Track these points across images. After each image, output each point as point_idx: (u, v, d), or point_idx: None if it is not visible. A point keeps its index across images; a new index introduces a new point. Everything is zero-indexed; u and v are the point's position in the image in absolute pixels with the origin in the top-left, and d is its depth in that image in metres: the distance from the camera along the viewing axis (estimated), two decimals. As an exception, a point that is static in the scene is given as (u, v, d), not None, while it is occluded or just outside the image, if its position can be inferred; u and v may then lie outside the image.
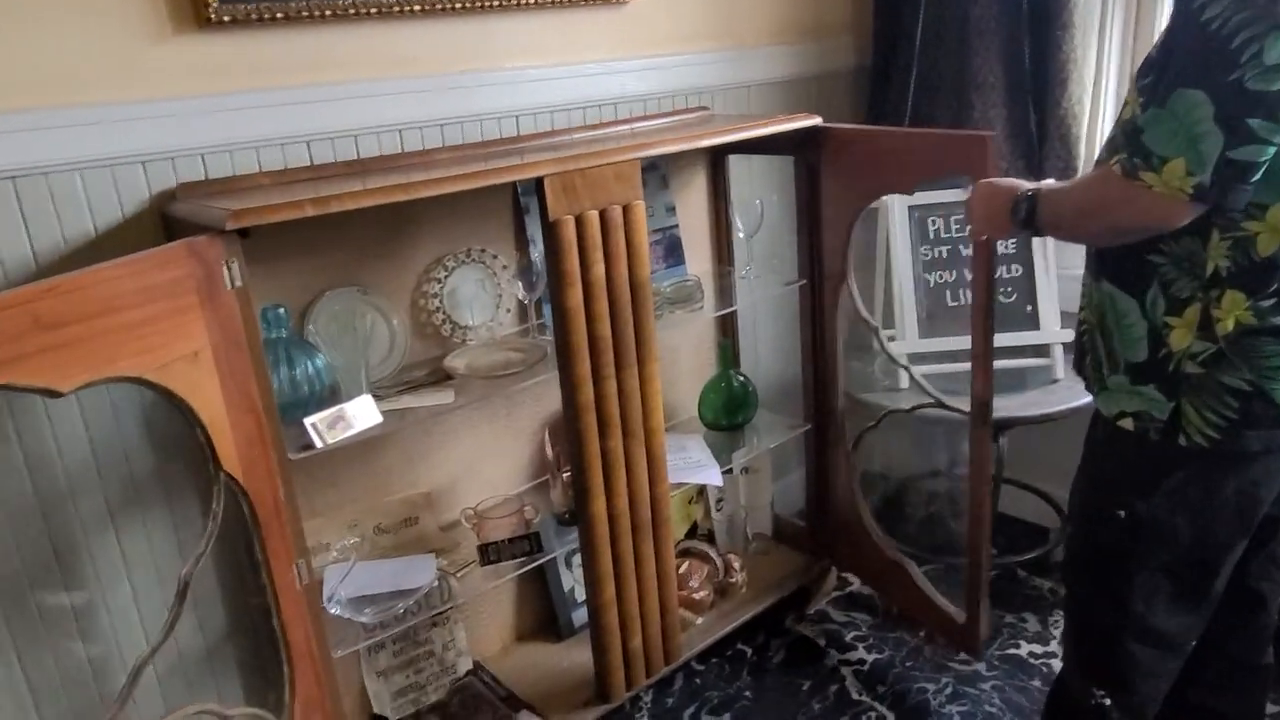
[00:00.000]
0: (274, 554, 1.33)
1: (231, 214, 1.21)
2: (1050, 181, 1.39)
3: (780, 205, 2.18)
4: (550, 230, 1.54)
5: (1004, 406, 1.97)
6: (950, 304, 2.14)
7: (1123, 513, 1.22)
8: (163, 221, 1.44)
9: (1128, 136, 1.09)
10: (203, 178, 1.48)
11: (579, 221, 1.56)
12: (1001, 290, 2.12)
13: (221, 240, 1.22)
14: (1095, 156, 2.19)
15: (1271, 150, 1.00)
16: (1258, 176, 1.02)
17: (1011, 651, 2.06)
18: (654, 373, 1.73)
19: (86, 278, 1.05)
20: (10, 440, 1.37)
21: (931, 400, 1.90)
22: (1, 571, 1.39)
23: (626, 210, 1.62)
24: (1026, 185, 1.30)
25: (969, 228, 1.55)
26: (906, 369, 1.93)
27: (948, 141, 1.73)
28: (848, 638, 2.15)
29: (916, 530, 2.45)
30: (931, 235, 2.14)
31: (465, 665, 1.92)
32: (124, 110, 1.38)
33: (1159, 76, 1.05)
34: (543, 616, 2.08)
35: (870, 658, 2.07)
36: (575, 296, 1.58)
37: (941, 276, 2.14)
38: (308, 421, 1.39)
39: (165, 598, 1.54)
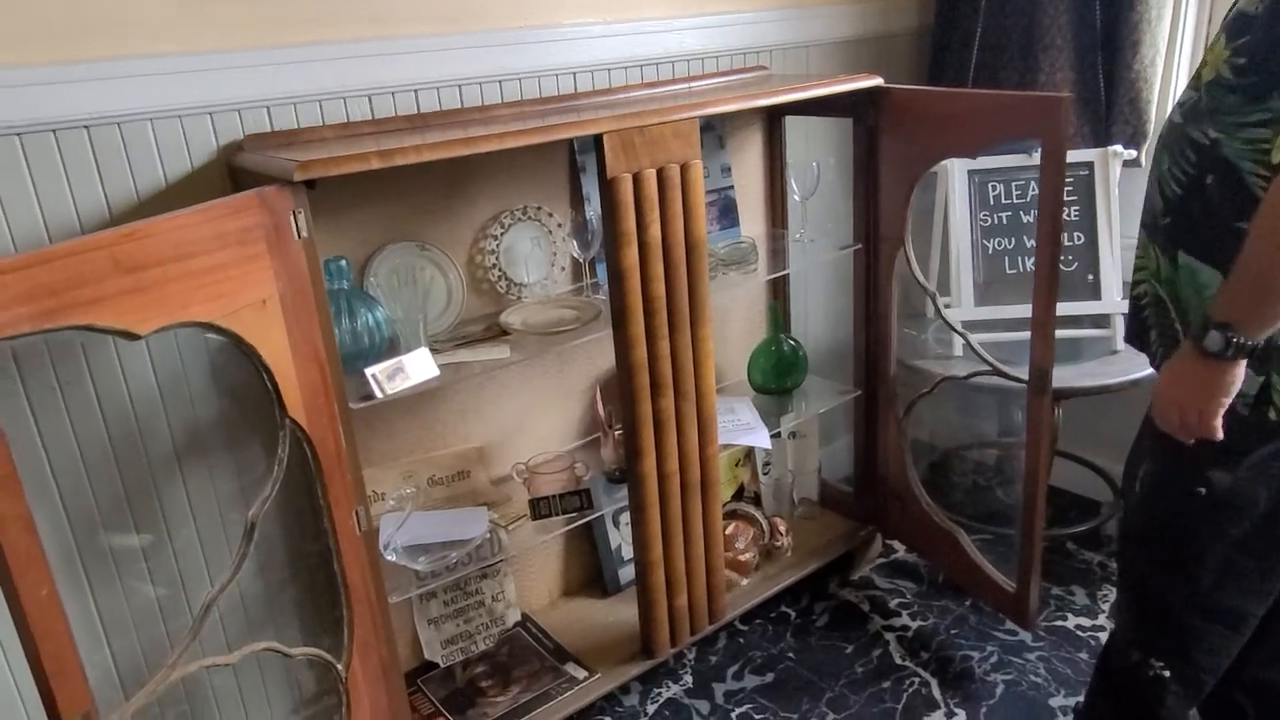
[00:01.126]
0: (335, 500, 1.36)
1: (299, 165, 1.23)
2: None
3: (836, 168, 2.15)
4: (607, 188, 1.54)
5: (1060, 377, 1.94)
6: (1009, 271, 2.11)
7: (1203, 489, 1.20)
8: (229, 172, 1.47)
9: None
10: (268, 129, 1.50)
11: (636, 180, 1.56)
12: (1062, 258, 2.07)
13: (289, 191, 1.24)
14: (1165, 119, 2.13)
15: None
16: None
17: (1059, 624, 2.04)
18: (707, 334, 1.73)
19: (163, 224, 1.07)
20: (85, 382, 1.41)
21: (988, 368, 1.87)
22: (77, 510, 1.44)
23: (684, 169, 1.62)
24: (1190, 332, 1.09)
25: (1173, 424, 1.16)
26: (963, 335, 1.90)
27: (1020, 104, 1.68)
28: (892, 604, 2.15)
29: (964, 499, 2.43)
30: (992, 201, 2.10)
31: (514, 617, 1.96)
32: (192, 61, 1.40)
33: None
34: (590, 573, 2.11)
35: (914, 624, 2.07)
36: (631, 256, 1.58)
37: (1000, 243, 2.10)
38: (368, 371, 1.41)
39: (228, 540, 1.60)
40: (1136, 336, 1.33)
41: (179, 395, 1.51)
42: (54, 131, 1.32)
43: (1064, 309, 2.01)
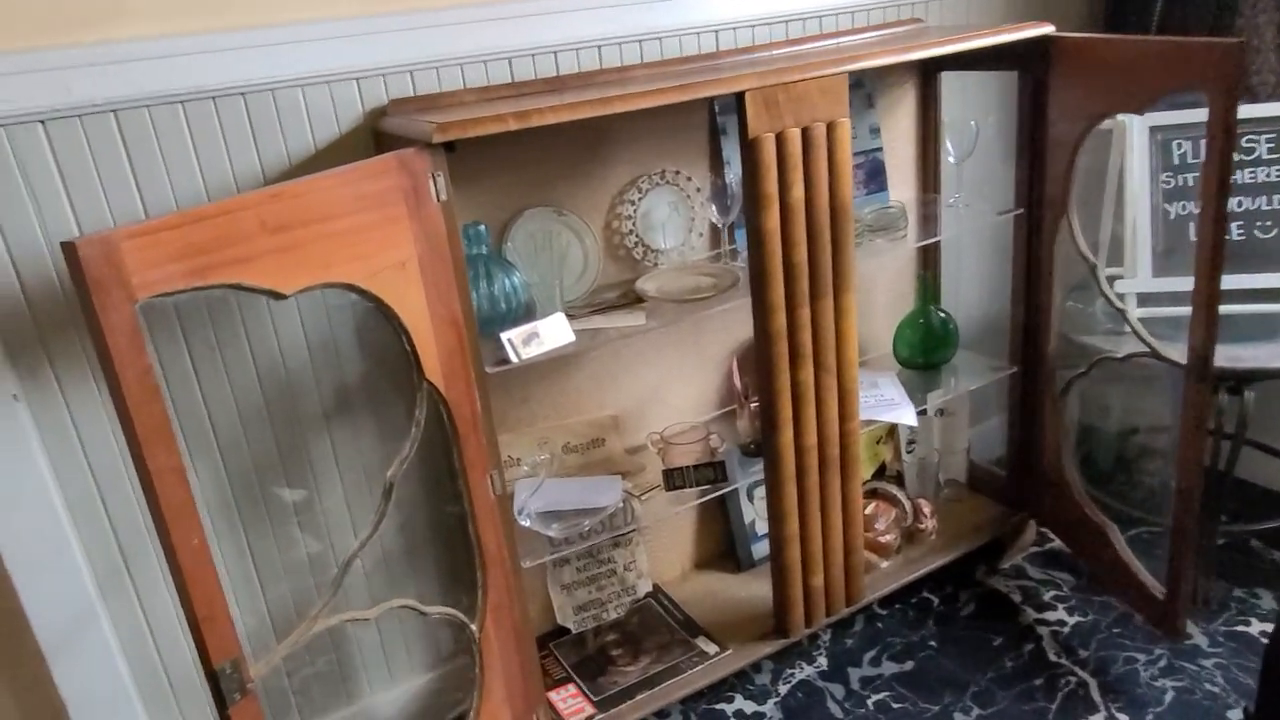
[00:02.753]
0: (470, 463, 1.37)
1: (437, 127, 1.22)
2: None
3: (994, 127, 1.99)
4: (749, 148, 1.47)
5: (1252, 357, 1.75)
6: (1193, 239, 1.90)
7: None
8: (374, 137, 1.49)
9: None
10: (411, 93, 1.51)
11: (779, 139, 1.48)
12: (1258, 225, 1.85)
13: (428, 153, 1.24)
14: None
15: None
16: None
17: (1240, 629, 1.85)
18: (850, 303, 1.64)
19: (305, 185, 1.09)
20: (241, 342, 1.47)
21: (1147, 350, 1.70)
22: (235, 465, 1.51)
23: (830, 128, 1.53)
24: None
25: None
26: (1121, 311, 1.73)
27: (1183, 51, 1.49)
28: (1046, 596, 2.01)
29: (1131, 490, 2.24)
30: (1176, 160, 1.89)
31: (645, 587, 1.94)
32: (339, 26, 1.43)
33: None
34: (722, 547, 2.07)
35: (1071, 620, 1.93)
36: (772, 219, 1.52)
37: (1184, 208, 1.89)
38: (504, 336, 1.41)
39: (372, 499, 1.65)
40: None
41: (327, 354, 1.55)
42: (213, 99, 1.37)
43: (1255, 281, 1.80)
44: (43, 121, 1.27)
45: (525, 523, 1.56)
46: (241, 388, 1.49)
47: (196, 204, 1.37)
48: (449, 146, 1.26)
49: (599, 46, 1.65)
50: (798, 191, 1.52)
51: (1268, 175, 1.84)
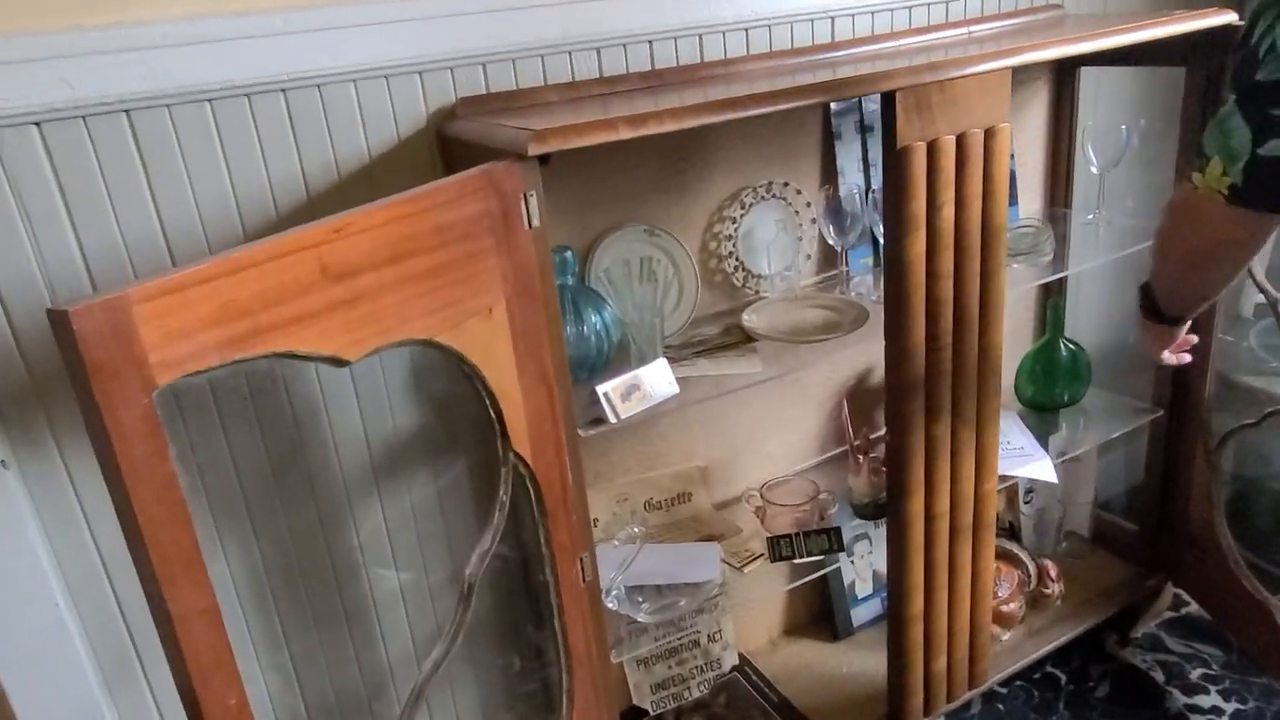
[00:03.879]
0: (559, 549, 1.11)
1: (534, 135, 0.96)
2: None
3: (1142, 132, 1.72)
4: (896, 160, 1.21)
5: None
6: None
7: None
8: (439, 143, 1.23)
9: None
10: (483, 91, 1.25)
11: (930, 149, 1.22)
12: None
13: (520, 169, 0.98)
14: None
15: None
16: None
17: None
18: (997, 342, 1.38)
19: (378, 214, 0.83)
20: (285, 411, 1.22)
21: None
22: (270, 547, 1.26)
23: (989, 135, 1.26)
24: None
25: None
26: None
27: None
28: (1193, 675, 1.74)
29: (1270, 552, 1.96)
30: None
31: (731, 660, 1.68)
32: (399, 8, 1.17)
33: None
34: (817, 611, 1.81)
35: (1230, 707, 1.66)
36: (917, 245, 1.25)
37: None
38: (600, 390, 1.15)
39: (432, 593, 1.39)
40: None
41: (378, 412, 1.30)
42: (248, 95, 1.11)
43: None
44: (37, 123, 1.02)
45: (613, 605, 1.31)
46: (277, 453, 1.24)
47: (227, 225, 1.12)
48: (543, 159, 1.01)
49: (700, 35, 1.39)
50: (948, 212, 1.26)
51: None
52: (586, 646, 1.19)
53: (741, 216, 1.47)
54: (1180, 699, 1.69)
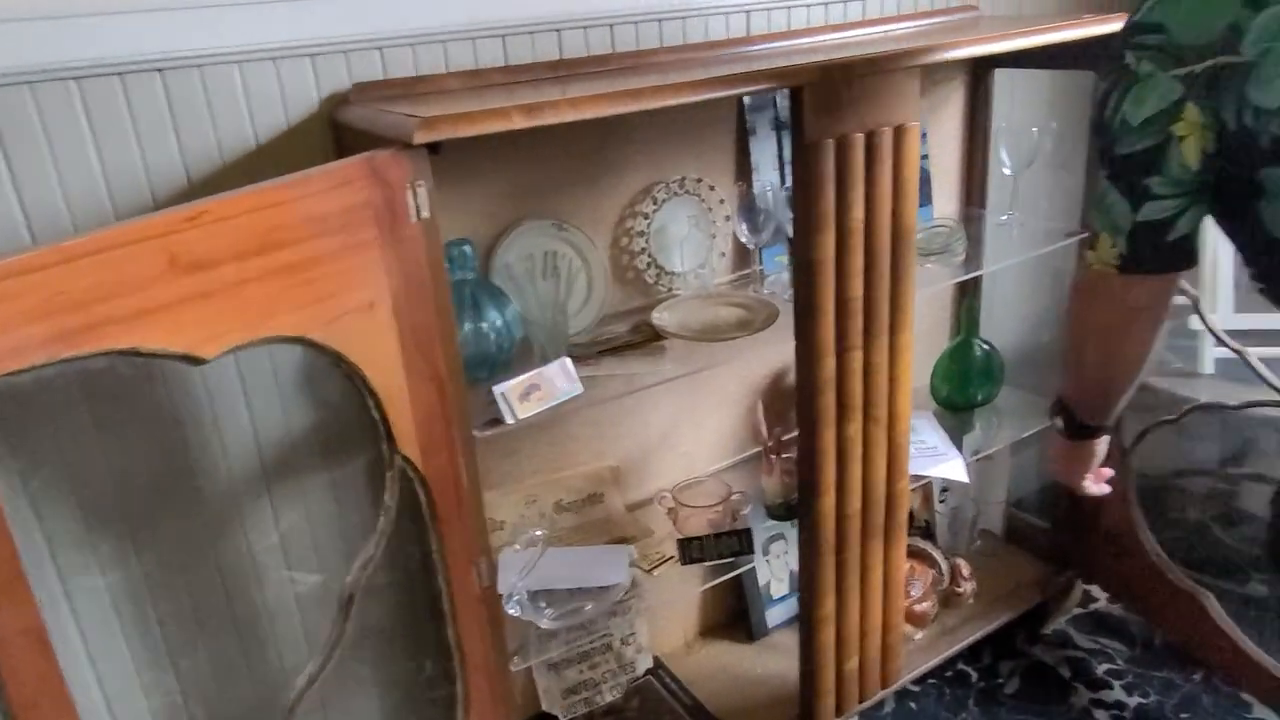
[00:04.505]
0: (452, 554, 1.07)
1: (422, 122, 0.92)
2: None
3: (1054, 135, 1.74)
4: (804, 156, 1.19)
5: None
6: None
7: None
8: (334, 131, 1.18)
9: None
10: (381, 76, 1.19)
11: (840, 146, 1.20)
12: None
13: (408, 157, 0.93)
14: None
15: (1184, 201, 0.91)
16: (1186, 232, 0.94)
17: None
18: (908, 343, 1.38)
19: (241, 202, 0.78)
20: (154, 398, 1.15)
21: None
22: (151, 561, 1.19)
23: (899, 134, 1.25)
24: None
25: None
26: (1239, 353, 1.48)
27: None
28: (1099, 670, 1.77)
29: (1185, 542, 2.00)
30: None
31: (645, 663, 1.66)
32: (290, -12, 1.11)
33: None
34: (732, 612, 1.80)
35: (1132, 701, 1.69)
36: (826, 244, 1.24)
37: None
38: (498, 390, 1.11)
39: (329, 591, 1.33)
40: None
41: (268, 410, 1.23)
42: (120, 75, 1.04)
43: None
44: (-123, 99, 0.94)
45: (514, 611, 1.27)
46: (147, 456, 1.17)
47: (98, 213, 1.06)
48: (434, 148, 0.96)
49: (611, 25, 1.35)
50: (858, 211, 1.25)
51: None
52: (484, 653, 1.15)
53: (654, 212, 1.44)
54: (1086, 694, 1.71)
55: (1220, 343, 1.56)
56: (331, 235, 0.86)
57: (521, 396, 1.13)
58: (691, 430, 1.63)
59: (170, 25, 1.05)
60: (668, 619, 1.74)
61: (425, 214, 0.96)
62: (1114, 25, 1.45)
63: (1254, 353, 1.54)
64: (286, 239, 0.81)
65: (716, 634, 1.79)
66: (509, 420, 1.11)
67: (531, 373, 1.14)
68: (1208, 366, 1.67)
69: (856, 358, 1.33)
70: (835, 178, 1.21)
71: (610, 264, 1.44)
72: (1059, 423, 1.24)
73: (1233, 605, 1.66)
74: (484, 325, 1.18)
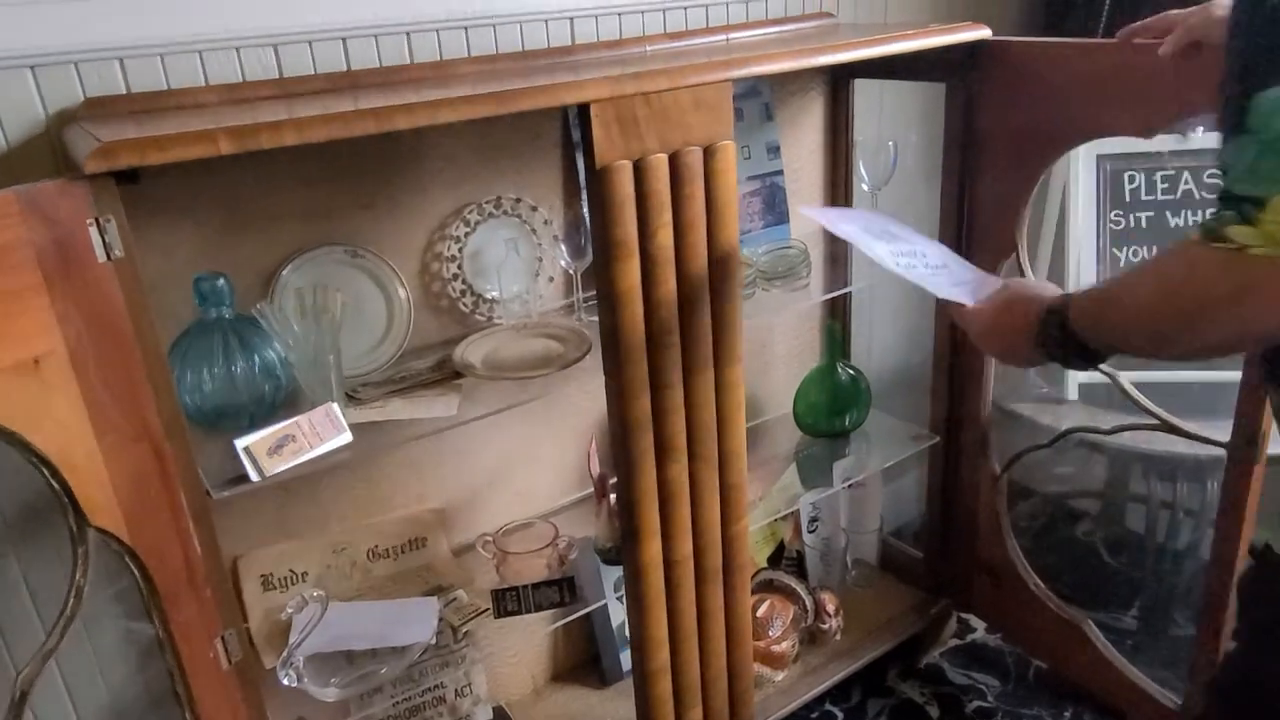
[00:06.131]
0: (181, 632, 0.95)
1: (99, 149, 0.80)
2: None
3: (920, 149, 1.66)
4: (598, 180, 1.08)
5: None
6: (1145, 290, 1.60)
7: None
8: (62, 152, 1.05)
9: (1221, 200, 0.67)
10: (122, 91, 1.07)
11: (639, 169, 1.10)
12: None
13: (86, 189, 0.81)
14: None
15: None
16: None
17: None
18: (736, 376, 1.28)
19: None
20: None
21: (1155, 423, 1.38)
22: None
23: (709, 153, 1.15)
24: (1053, 291, 0.92)
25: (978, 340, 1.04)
26: (1111, 377, 1.40)
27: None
28: (969, 707, 1.69)
29: (1059, 569, 1.94)
30: (1128, 197, 1.59)
31: (484, 715, 1.54)
32: (0, -9, 0.98)
33: (1228, 101, 0.67)
34: (584, 655, 1.69)
35: (1000, 741, 1.61)
36: (629, 274, 1.13)
37: (1137, 252, 1.59)
38: (239, 445, 0.99)
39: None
40: None
41: None
42: None
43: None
44: None
45: (287, 680, 1.15)
46: None
47: None
48: (132, 175, 0.84)
49: (408, 33, 1.24)
50: (665, 236, 1.14)
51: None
52: (239, 740, 1.03)
53: (467, 235, 1.33)
54: (953, 735, 1.64)
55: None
56: (-34, 283, 0.74)
57: (272, 450, 1.01)
58: (526, 468, 1.52)
59: None
60: (514, 664, 1.63)
61: (118, 252, 0.84)
62: (960, 36, 1.37)
63: (1125, 376, 1.47)
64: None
65: (568, 678, 1.68)
66: (254, 477, 0.99)
67: (286, 422, 1.02)
68: (1071, 392, 1.60)
69: (676, 395, 1.22)
70: (636, 203, 1.11)
71: (420, 291, 1.32)
72: (1053, 330, 0.87)
73: (1112, 632, 1.59)
74: (239, 369, 1.06)
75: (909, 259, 1.18)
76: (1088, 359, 0.86)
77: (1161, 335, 0.76)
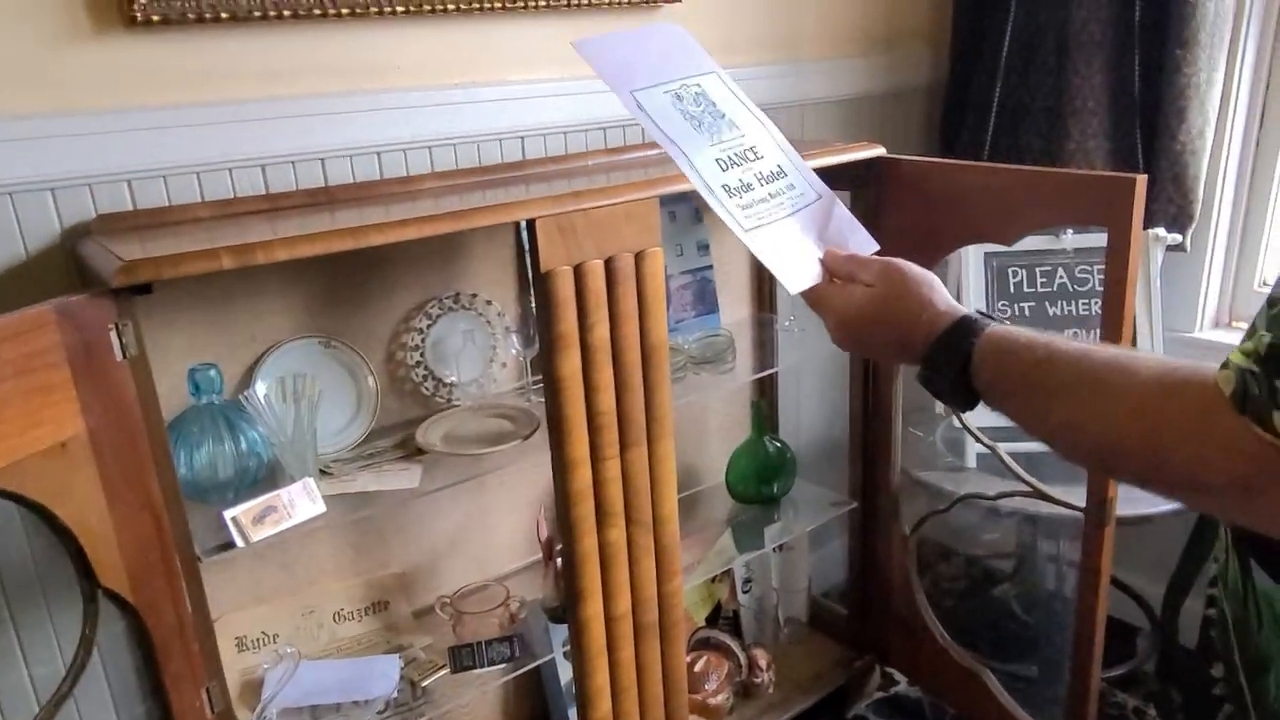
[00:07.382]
0: (174, 682, 1.08)
1: (122, 267, 0.96)
2: (1051, 335, 0.74)
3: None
4: (542, 283, 1.26)
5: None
6: (1030, 370, 1.81)
7: None
8: (75, 262, 1.21)
9: (1266, 360, 0.56)
10: (129, 208, 1.24)
11: (579, 273, 1.28)
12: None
13: (109, 301, 0.97)
14: (1214, 203, 1.85)
15: None
16: None
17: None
18: (668, 450, 1.44)
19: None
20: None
21: (1024, 490, 1.57)
22: None
23: (640, 259, 1.34)
24: (946, 300, 0.81)
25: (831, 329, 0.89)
26: (992, 448, 1.60)
27: (1076, 185, 1.40)
28: (891, 755, 1.84)
29: (970, 623, 2.11)
30: (1012, 289, 1.81)
31: (439, 770, 1.65)
32: (29, 125, 1.15)
33: None
34: (535, 711, 1.81)
35: (915, 787, 1.76)
36: (571, 362, 1.31)
37: (1021, 338, 1.81)
38: (227, 515, 1.13)
39: None
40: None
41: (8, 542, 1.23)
42: None
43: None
44: None
45: (264, 732, 1.27)
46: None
47: None
48: (144, 288, 1.00)
49: (378, 153, 1.43)
50: (602, 330, 1.32)
51: (1091, 309, 1.77)
52: (219, 783, 1.15)
53: (429, 327, 1.50)
54: (874, 781, 1.78)
55: (976, 438, 1.68)
56: (10, 380, 0.89)
57: (256, 519, 1.15)
58: (481, 535, 1.66)
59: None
60: (469, 718, 1.75)
61: (133, 351, 1.00)
62: (859, 154, 1.59)
63: (1004, 448, 1.66)
64: (-50, 389, 0.84)
65: (520, 734, 1.80)
66: (239, 544, 1.14)
67: (268, 495, 1.17)
68: (970, 461, 1.79)
69: (614, 466, 1.39)
70: (576, 301, 1.29)
71: (386, 377, 1.48)
72: (961, 351, 0.76)
73: (1019, 680, 1.76)
74: (228, 447, 1.21)
75: (741, 172, 0.94)
76: (965, 404, 0.76)
77: (1110, 451, 0.65)
